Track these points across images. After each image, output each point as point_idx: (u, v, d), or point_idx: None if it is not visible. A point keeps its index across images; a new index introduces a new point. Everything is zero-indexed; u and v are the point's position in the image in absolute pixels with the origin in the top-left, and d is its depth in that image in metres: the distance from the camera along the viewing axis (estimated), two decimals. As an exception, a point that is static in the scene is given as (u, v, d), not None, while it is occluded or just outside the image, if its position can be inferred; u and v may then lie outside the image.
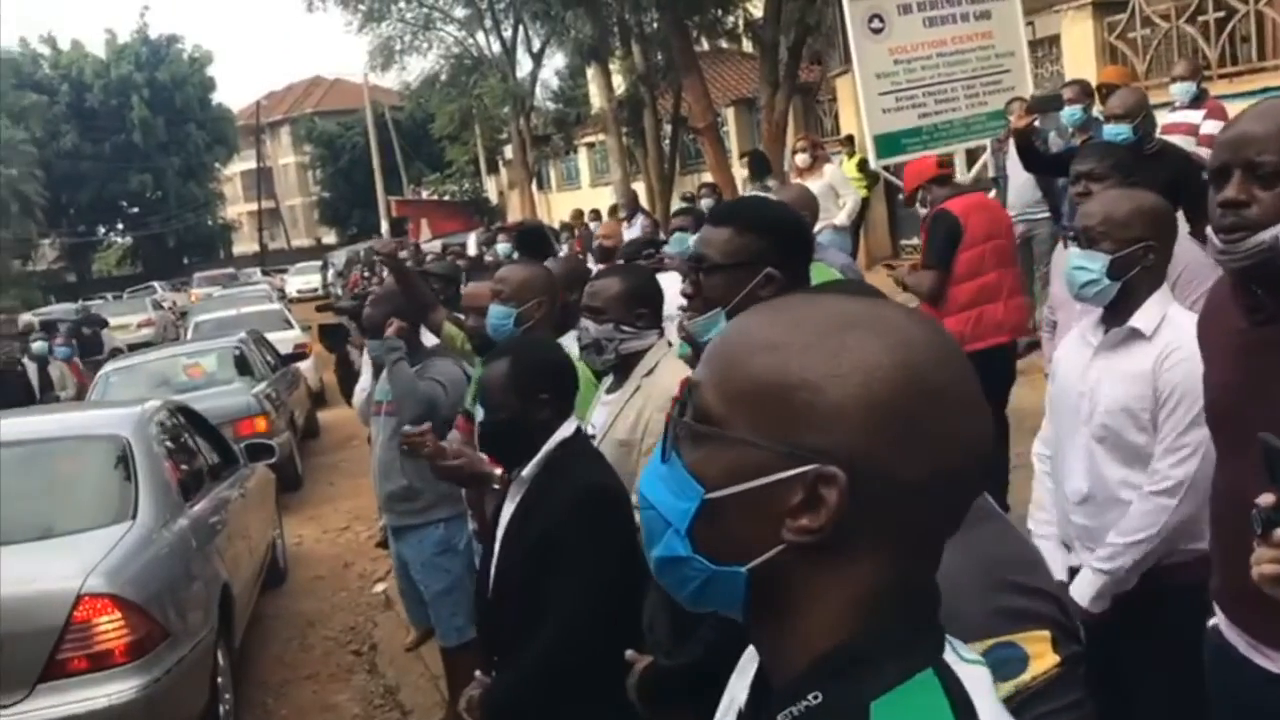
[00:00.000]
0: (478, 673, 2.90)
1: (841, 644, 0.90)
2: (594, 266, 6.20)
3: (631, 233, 10.79)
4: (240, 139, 58.76)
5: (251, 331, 13.22)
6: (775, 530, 0.89)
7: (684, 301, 2.43)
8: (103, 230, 59.00)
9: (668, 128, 24.08)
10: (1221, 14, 11.18)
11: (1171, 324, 2.63)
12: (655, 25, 19.92)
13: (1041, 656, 1.46)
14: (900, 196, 7.78)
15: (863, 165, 12.46)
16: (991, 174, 8.89)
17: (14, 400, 10.67)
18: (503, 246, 11.49)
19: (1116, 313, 2.72)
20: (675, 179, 23.88)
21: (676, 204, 18.97)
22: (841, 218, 8.95)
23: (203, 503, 5.91)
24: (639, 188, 23.29)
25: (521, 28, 30.90)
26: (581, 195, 28.62)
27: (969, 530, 0.99)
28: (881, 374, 0.88)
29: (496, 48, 32.16)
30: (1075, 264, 2.72)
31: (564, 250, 11.97)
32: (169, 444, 6.03)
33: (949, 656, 0.92)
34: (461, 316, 4.55)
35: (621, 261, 5.60)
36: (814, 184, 7.95)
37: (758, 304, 1.04)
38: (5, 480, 5.05)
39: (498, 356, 2.87)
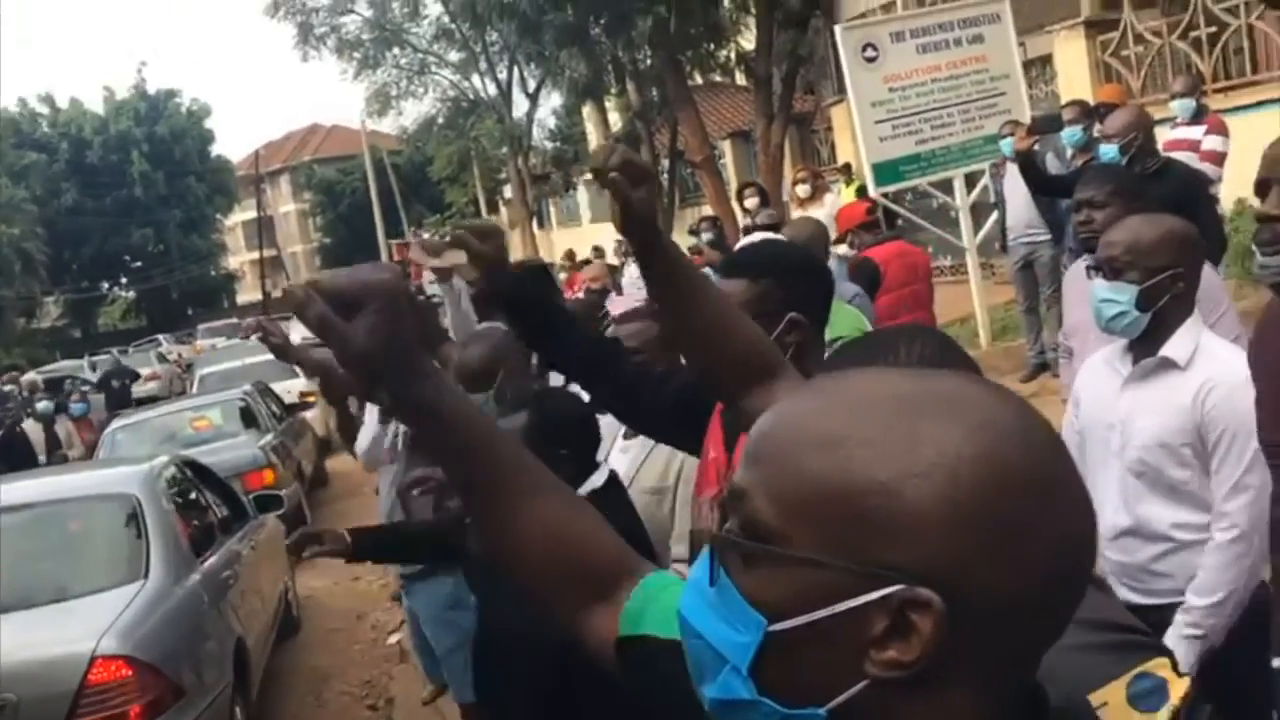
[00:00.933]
0: None
1: None
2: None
3: (633, 269, 10.80)
4: (240, 189, 59.09)
5: (257, 383, 13.22)
6: (857, 663, 0.76)
7: None
8: (106, 285, 59.27)
9: (665, 162, 24.19)
10: (1213, 29, 11.24)
11: (1206, 354, 2.56)
12: (649, 62, 20.05)
13: (1174, 680, 1.42)
14: (899, 223, 7.79)
15: (861, 192, 12.46)
16: (991, 198, 8.89)
17: (15, 464, 10.66)
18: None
19: (1147, 342, 2.63)
20: (675, 212, 23.96)
21: (676, 237, 18.99)
22: (844, 247, 8.94)
23: (214, 558, 5.89)
24: (639, 223, 23.30)
25: (516, 69, 31.12)
26: (583, 231, 28.71)
27: None
28: (968, 469, 0.75)
29: (492, 90, 32.40)
30: (1103, 296, 2.63)
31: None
32: (178, 500, 6.02)
33: None
34: None
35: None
36: (816, 214, 7.97)
37: (802, 383, 0.94)
38: (15, 544, 5.05)
39: (515, 411, 2.82)
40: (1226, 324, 3.16)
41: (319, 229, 60.04)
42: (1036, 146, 6.79)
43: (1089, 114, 7.37)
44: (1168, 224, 2.69)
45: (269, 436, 11.12)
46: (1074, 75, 12.57)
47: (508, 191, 35.29)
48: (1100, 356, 2.83)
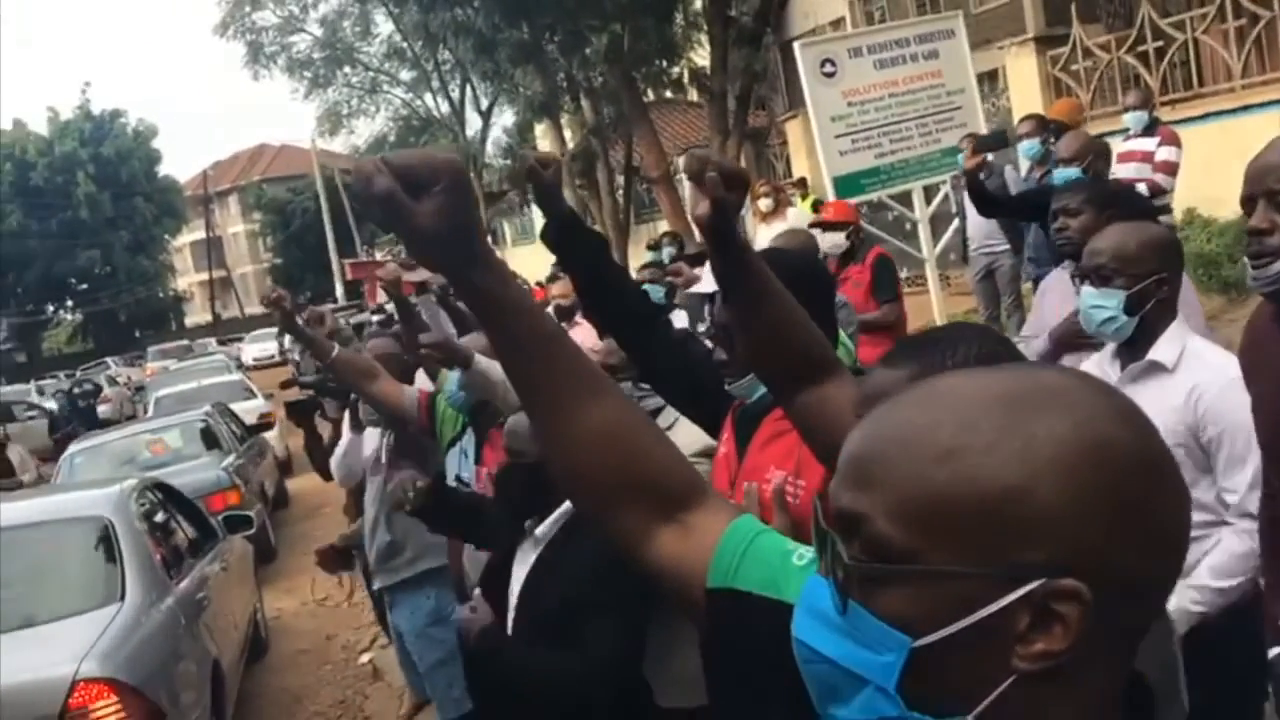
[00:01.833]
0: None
1: None
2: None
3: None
4: (189, 210, 58.45)
5: (217, 404, 13.09)
6: (1003, 662, 0.78)
7: None
8: (52, 308, 58.28)
9: (620, 179, 24.27)
10: (1160, 43, 11.51)
11: (1194, 356, 2.63)
12: (603, 79, 20.14)
13: None
14: (860, 236, 7.89)
15: (816, 206, 12.61)
16: (953, 208, 9.02)
17: None
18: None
19: (1134, 346, 2.71)
20: (631, 228, 24.04)
21: (633, 253, 19.08)
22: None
23: (187, 579, 5.85)
24: (595, 239, 23.35)
25: (469, 87, 31.11)
26: (538, 249, 28.50)
27: None
28: (1086, 459, 0.77)
29: (445, 108, 32.38)
30: (1091, 303, 2.71)
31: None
32: (149, 521, 5.96)
33: None
34: None
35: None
36: (779, 228, 8.03)
37: (852, 383, 0.94)
38: (-11, 569, 4.97)
39: None
40: (1197, 326, 3.25)
41: (269, 249, 59.39)
42: (992, 158, 6.90)
43: (1045, 127, 7.52)
44: (1150, 231, 2.79)
45: (231, 457, 11.03)
46: (1026, 90, 12.81)
47: (462, 209, 35.15)
48: (1090, 363, 2.90)
